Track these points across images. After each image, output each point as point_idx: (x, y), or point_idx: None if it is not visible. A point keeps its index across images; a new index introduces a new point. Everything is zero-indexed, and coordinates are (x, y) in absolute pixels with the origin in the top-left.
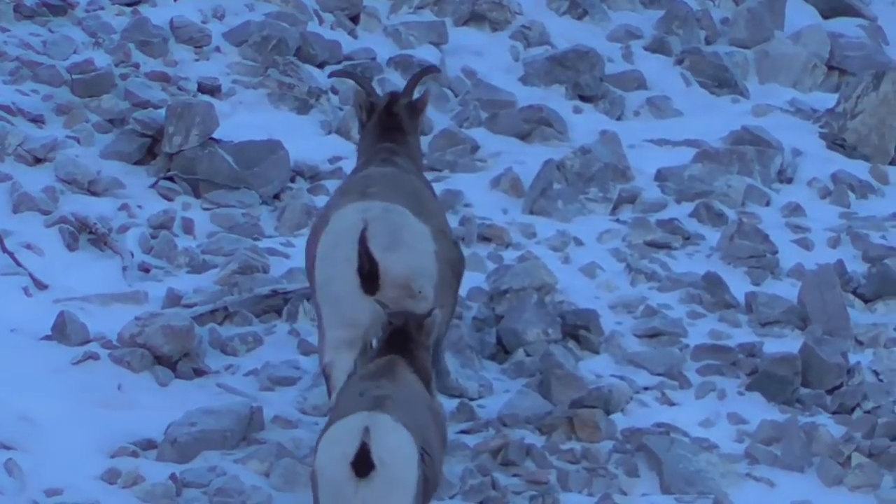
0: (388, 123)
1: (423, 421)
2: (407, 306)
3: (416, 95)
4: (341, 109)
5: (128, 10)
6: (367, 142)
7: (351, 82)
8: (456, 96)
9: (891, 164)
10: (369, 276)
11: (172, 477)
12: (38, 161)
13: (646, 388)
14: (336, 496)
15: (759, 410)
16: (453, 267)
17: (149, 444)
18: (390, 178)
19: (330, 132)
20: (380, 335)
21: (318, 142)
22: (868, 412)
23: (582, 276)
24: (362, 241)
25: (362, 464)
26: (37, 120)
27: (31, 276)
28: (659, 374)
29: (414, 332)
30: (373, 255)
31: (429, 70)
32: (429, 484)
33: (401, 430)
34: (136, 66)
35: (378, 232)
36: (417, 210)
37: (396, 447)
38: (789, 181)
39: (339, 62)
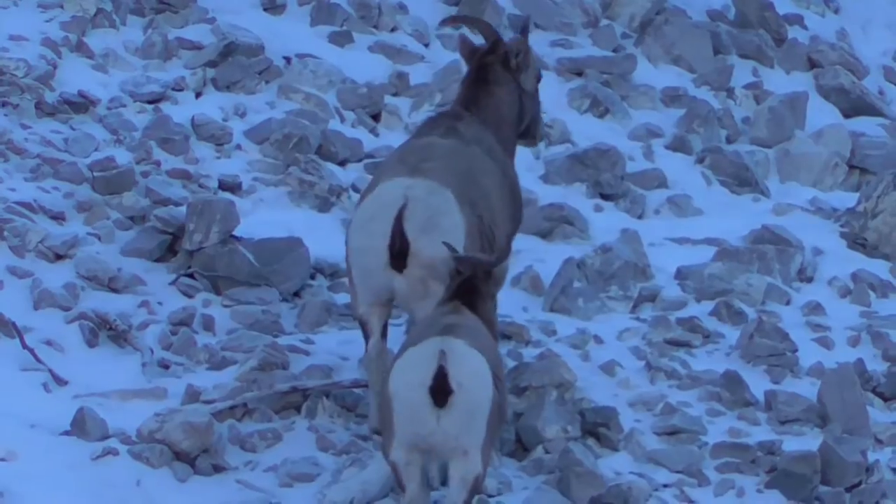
0: (477, 75)
1: (492, 348)
2: (430, 287)
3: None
4: None
5: (149, 107)
6: (457, 96)
7: None
8: None
9: None
10: (399, 254)
11: None
12: (58, 258)
13: (665, 486)
14: (415, 421)
15: None
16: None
17: None
18: (448, 153)
19: None
20: (448, 283)
21: (338, 239)
22: None
23: (602, 373)
24: (398, 220)
25: (441, 388)
26: (58, 217)
27: (50, 371)
28: (678, 472)
29: (481, 281)
30: (406, 235)
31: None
32: (501, 413)
33: (475, 354)
34: (158, 163)
35: (416, 212)
36: (465, 200)
37: (473, 370)
38: (809, 280)
39: (360, 160)
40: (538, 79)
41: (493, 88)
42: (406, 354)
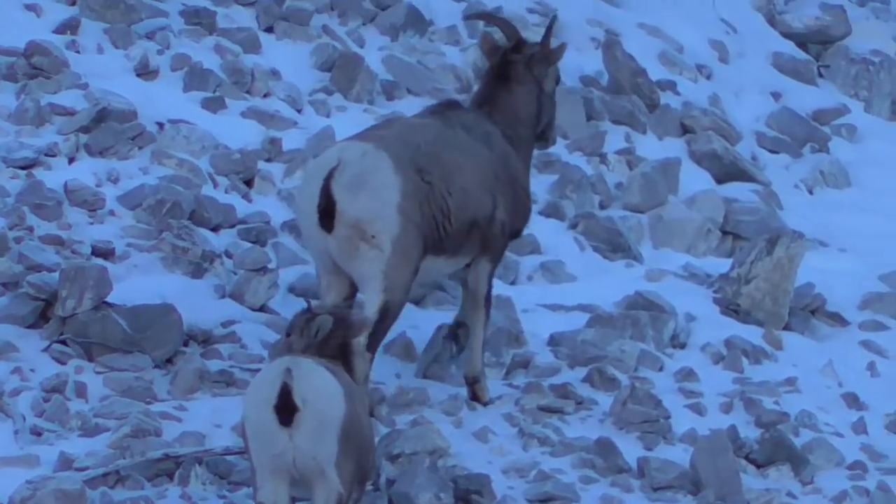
0: (499, 72)
1: (345, 378)
2: (360, 251)
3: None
4: (235, 273)
5: (22, 173)
6: (475, 91)
7: None
8: None
9: (785, 329)
10: (325, 213)
11: None
12: None
13: None
14: (266, 442)
15: None
16: (419, 229)
17: None
18: (417, 126)
19: (224, 296)
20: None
21: (211, 305)
22: None
23: (475, 440)
24: (327, 179)
25: (286, 405)
26: None
27: None
28: None
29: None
30: (331, 193)
31: (555, 17)
32: (359, 433)
33: (322, 371)
34: (31, 229)
35: (344, 172)
36: (405, 163)
37: (319, 386)
38: (683, 346)
39: (233, 226)
40: (557, 82)
41: (513, 86)
42: (256, 377)
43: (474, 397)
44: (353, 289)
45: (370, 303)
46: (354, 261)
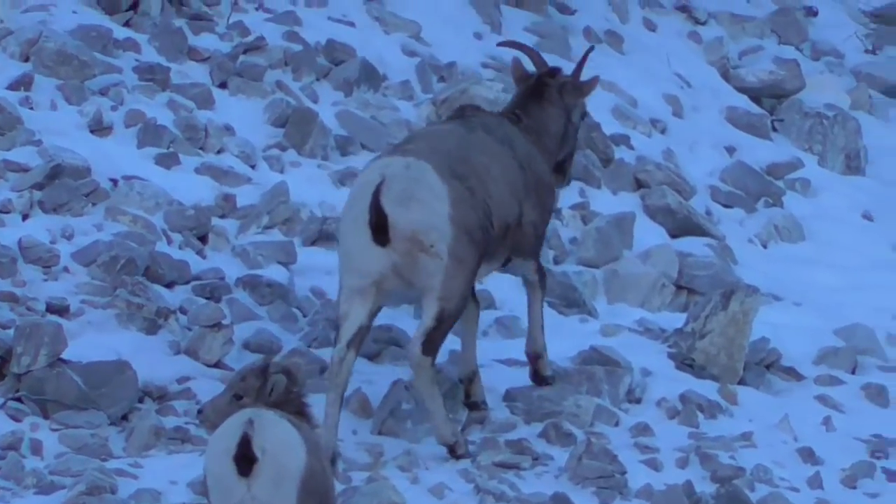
0: (533, 90)
1: (308, 432)
2: (421, 262)
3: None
4: (190, 329)
5: None
6: (507, 104)
7: None
8: (305, 316)
9: (740, 383)
10: (378, 228)
11: None
12: None
13: None
14: (225, 492)
15: None
16: (471, 235)
17: None
18: (443, 134)
19: (178, 352)
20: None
21: (166, 362)
22: None
23: (430, 496)
24: (375, 195)
25: (244, 455)
26: None
27: None
28: None
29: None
30: (382, 209)
31: (591, 49)
32: (320, 487)
33: (283, 423)
34: None
35: (392, 186)
36: (446, 169)
37: (279, 437)
38: (638, 401)
39: (188, 282)
40: (583, 116)
41: (546, 104)
42: (217, 429)
43: (535, 375)
44: (377, 310)
45: (427, 310)
46: (418, 274)
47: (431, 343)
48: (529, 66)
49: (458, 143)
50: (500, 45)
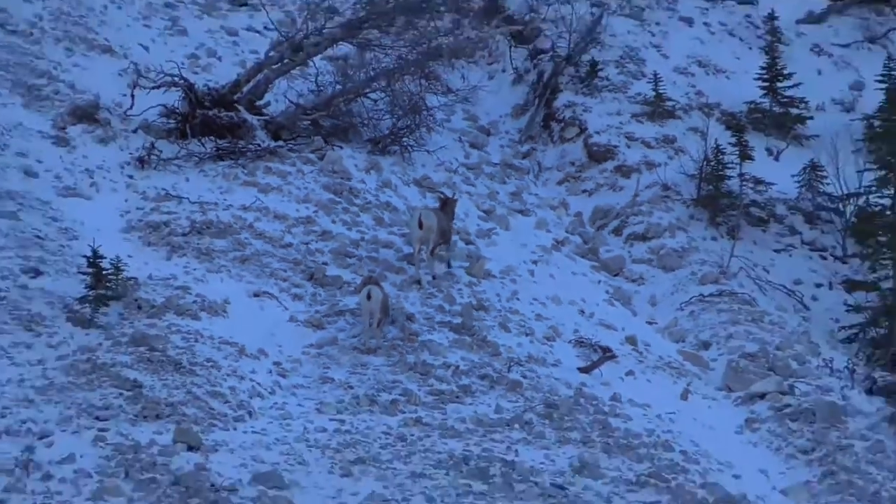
0: (442, 206)
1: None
2: (424, 239)
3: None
4: None
5: None
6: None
7: None
8: None
9: None
10: (420, 226)
11: None
12: None
13: None
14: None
15: None
16: (443, 235)
17: None
18: (435, 208)
19: None
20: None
21: None
22: None
23: None
24: (419, 218)
25: None
26: None
27: None
28: None
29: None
30: (422, 221)
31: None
32: None
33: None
34: None
35: (425, 216)
36: (439, 216)
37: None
38: None
39: None
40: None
41: (448, 211)
42: None
43: None
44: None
45: (428, 245)
46: (428, 238)
47: (431, 251)
48: None
49: (438, 212)
50: (426, 189)
